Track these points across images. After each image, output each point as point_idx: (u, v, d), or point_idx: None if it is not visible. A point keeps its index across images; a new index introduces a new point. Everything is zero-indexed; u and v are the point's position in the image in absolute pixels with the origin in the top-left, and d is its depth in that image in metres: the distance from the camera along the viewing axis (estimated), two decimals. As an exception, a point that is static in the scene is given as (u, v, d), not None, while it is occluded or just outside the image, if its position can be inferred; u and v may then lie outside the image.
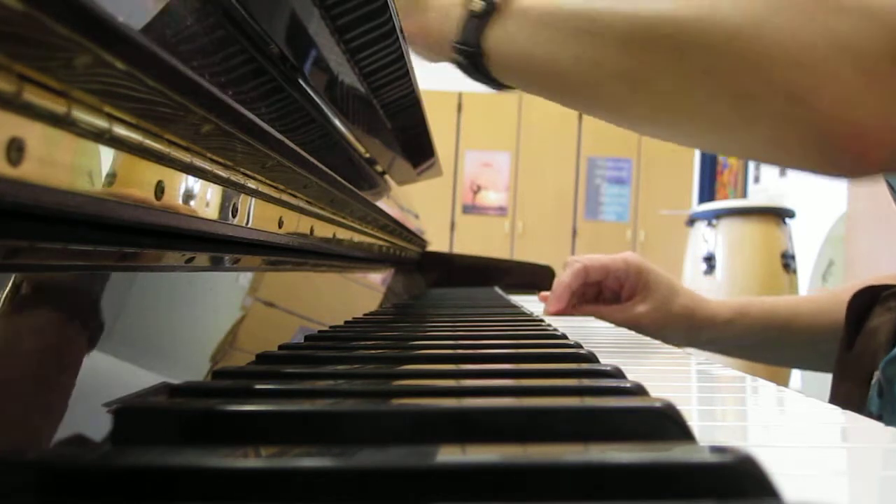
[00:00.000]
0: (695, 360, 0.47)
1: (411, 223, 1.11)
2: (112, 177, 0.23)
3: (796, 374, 2.69)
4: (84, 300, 0.26)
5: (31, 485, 0.15)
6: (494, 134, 5.19)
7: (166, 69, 0.22)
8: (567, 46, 0.49)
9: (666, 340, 0.82)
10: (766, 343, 0.84)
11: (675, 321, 0.82)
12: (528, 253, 4.77)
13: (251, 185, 0.36)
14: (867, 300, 0.66)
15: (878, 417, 0.59)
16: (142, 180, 0.25)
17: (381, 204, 0.77)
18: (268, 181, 0.39)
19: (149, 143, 0.24)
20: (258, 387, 0.26)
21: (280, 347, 0.39)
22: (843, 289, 0.85)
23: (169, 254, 0.32)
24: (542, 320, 0.61)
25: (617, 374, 0.30)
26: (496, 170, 5.20)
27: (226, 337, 0.36)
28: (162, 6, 0.28)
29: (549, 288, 0.86)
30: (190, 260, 0.34)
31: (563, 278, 0.84)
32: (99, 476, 0.15)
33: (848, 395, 0.62)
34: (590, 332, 0.70)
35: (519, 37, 0.52)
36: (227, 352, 0.35)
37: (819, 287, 2.51)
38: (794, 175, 3.64)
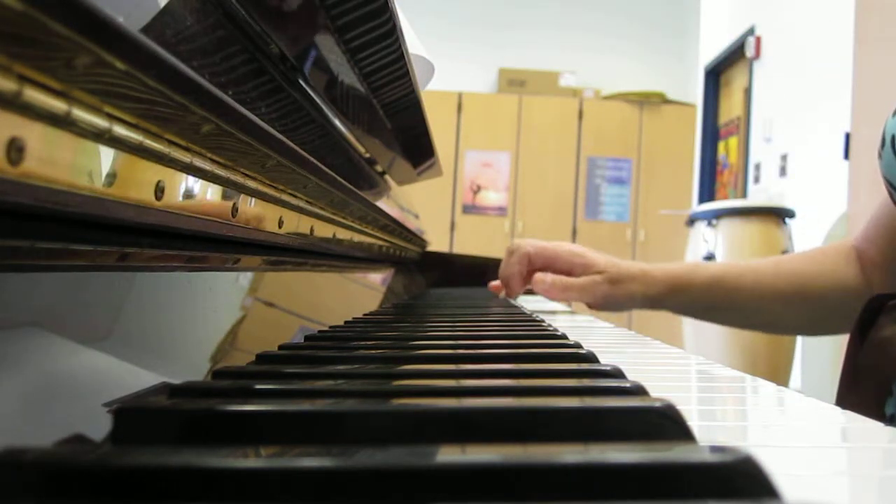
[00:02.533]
0: (695, 360, 0.47)
1: (411, 223, 1.11)
2: (112, 177, 0.23)
3: (796, 374, 2.69)
4: (84, 300, 0.26)
5: (31, 485, 0.15)
6: (494, 134, 5.20)
7: (166, 69, 0.22)
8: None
9: (624, 307, 0.86)
10: (712, 309, 0.87)
11: (630, 290, 0.86)
12: (528, 253, 4.76)
13: (251, 185, 0.36)
14: (873, 308, 0.66)
15: (890, 419, 0.59)
16: (142, 180, 0.25)
17: (381, 204, 0.77)
18: (268, 181, 0.39)
19: (149, 143, 0.24)
20: (258, 387, 0.26)
21: (280, 347, 0.39)
22: (787, 258, 0.87)
23: (169, 254, 0.32)
24: (542, 320, 0.61)
25: (617, 374, 0.30)
26: (496, 170, 5.20)
27: (226, 337, 0.36)
28: (162, 6, 0.28)
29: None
30: (190, 260, 0.34)
31: (511, 268, 0.93)
32: (99, 476, 0.15)
33: (861, 404, 0.62)
34: (590, 331, 0.70)
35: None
36: (227, 352, 0.35)
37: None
38: (794, 175, 3.65)
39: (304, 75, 0.54)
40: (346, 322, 0.57)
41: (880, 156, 0.67)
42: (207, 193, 0.32)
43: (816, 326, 0.87)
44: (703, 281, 0.85)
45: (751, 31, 4.22)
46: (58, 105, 0.19)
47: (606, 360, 0.34)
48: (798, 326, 0.88)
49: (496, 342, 0.46)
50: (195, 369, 0.31)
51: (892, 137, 0.65)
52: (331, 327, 0.52)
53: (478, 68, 5.40)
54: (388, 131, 0.85)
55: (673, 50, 5.54)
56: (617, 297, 0.86)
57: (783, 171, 3.78)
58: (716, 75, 4.99)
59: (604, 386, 0.28)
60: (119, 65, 0.20)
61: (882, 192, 0.71)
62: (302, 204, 0.47)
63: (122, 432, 0.21)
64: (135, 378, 0.26)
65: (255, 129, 0.31)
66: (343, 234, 0.64)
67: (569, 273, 0.89)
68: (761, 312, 0.84)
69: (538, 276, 0.89)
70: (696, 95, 5.16)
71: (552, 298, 0.90)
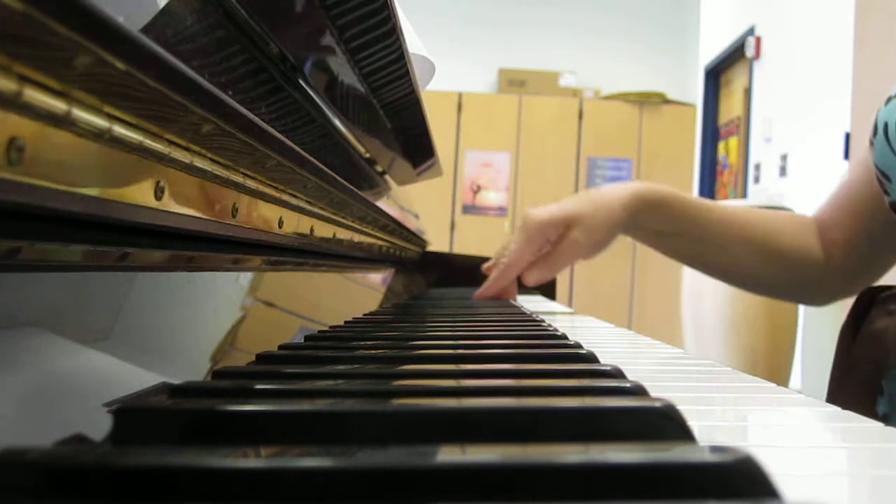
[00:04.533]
0: (695, 360, 0.47)
1: (411, 223, 1.11)
2: (112, 177, 0.23)
3: (796, 374, 2.69)
4: (84, 300, 0.26)
5: (31, 485, 0.15)
6: (494, 134, 5.19)
7: (166, 69, 0.22)
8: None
9: (609, 242, 0.84)
10: (676, 236, 0.86)
11: (607, 219, 0.83)
12: (528, 253, 4.75)
13: (251, 185, 0.36)
14: (865, 302, 0.66)
15: (884, 418, 0.59)
16: (142, 180, 0.25)
17: (381, 204, 0.77)
18: (268, 181, 0.39)
19: (149, 143, 0.24)
20: (258, 387, 0.26)
21: (280, 347, 0.39)
22: (756, 210, 0.88)
23: (169, 254, 0.32)
24: (542, 320, 0.61)
25: (617, 374, 0.30)
26: (496, 170, 5.20)
27: (226, 337, 0.36)
28: (162, 6, 0.28)
29: (547, 289, 0.90)
30: (190, 260, 0.34)
31: (491, 282, 0.91)
32: (99, 476, 0.15)
33: (852, 398, 0.62)
34: (590, 331, 0.70)
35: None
36: (227, 352, 0.35)
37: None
38: (794, 175, 3.65)
39: (304, 75, 0.54)
40: (346, 322, 0.57)
41: (871, 143, 0.67)
42: (207, 193, 0.32)
43: (771, 284, 0.87)
44: (674, 201, 0.83)
45: (751, 31, 4.22)
46: (58, 105, 0.19)
47: (606, 360, 0.34)
48: (753, 277, 0.87)
49: (496, 342, 0.46)
50: (195, 369, 0.31)
51: (885, 125, 0.65)
52: (331, 327, 0.52)
53: (478, 68, 5.40)
54: (388, 131, 0.85)
55: (673, 50, 5.54)
56: (601, 239, 0.84)
57: (783, 171, 3.77)
58: (716, 75, 4.99)
59: (604, 386, 0.28)
60: (119, 65, 0.20)
61: (846, 171, 0.71)
62: (302, 204, 0.47)
63: (122, 432, 0.21)
64: (135, 378, 0.26)
65: (256, 130, 0.31)
66: (343, 234, 0.64)
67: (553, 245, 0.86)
68: (721, 252, 0.84)
69: (525, 273, 0.87)
70: (696, 95, 5.16)
71: (548, 280, 0.88)
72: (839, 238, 0.78)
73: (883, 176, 0.66)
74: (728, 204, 0.87)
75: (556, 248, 0.85)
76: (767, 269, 0.83)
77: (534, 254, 0.85)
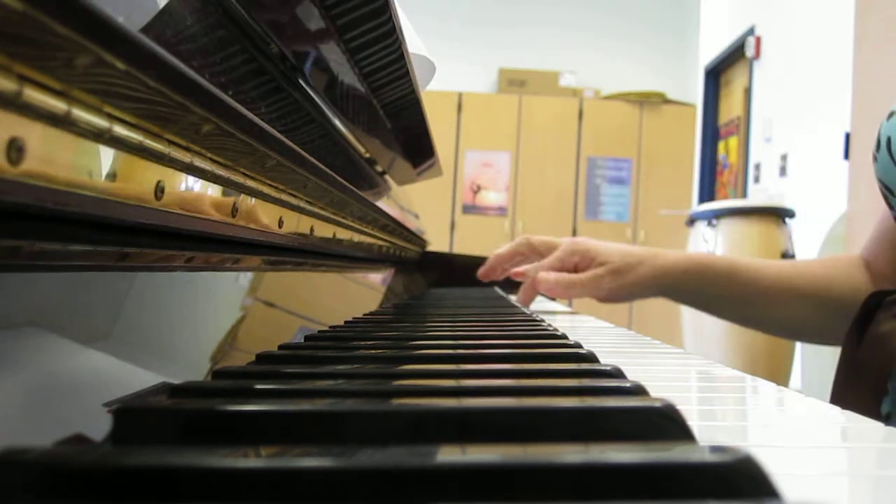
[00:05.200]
0: (695, 360, 0.47)
1: (411, 223, 1.11)
2: (112, 177, 0.23)
3: (796, 375, 2.69)
4: (84, 300, 0.26)
5: (31, 485, 0.15)
6: (494, 134, 5.20)
7: (166, 69, 0.22)
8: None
9: (634, 296, 0.85)
10: (725, 299, 0.86)
11: (638, 275, 0.85)
12: (528, 253, 4.75)
13: (251, 185, 0.36)
14: (872, 304, 0.66)
15: (887, 417, 0.59)
16: (142, 180, 0.25)
17: (381, 204, 0.77)
18: (268, 181, 0.39)
19: (149, 143, 0.24)
20: (258, 387, 0.26)
21: (280, 347, 0.39)
22: (802, 261, 0.88)
23: (169, 254, 0.32)
24: (542, 320, 0.61)
25: (617, 374, 0.30)
26: (496, 170, 5.20)
27: (226, 337, 0.36)
28: (162, 6, 0.28)
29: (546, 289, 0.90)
30: (190, 260, 0.34)
31: (502, 250, 0.96)
32: (99, 476, 0.15)
33: (857, 399, 0.62)
34: (590, 331, 0.70)
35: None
36: (227, 352, 0.35)
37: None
38: (794, 175, 3.65)
39: (304, 75, 0.54)
40: (346, 322, 0.57)
41: (875, 158, 0.67)
42: (207, 193, 0.32)
43: (827, 332, 0.86)
44: (722, 267, 0.84)
45: (751, 31, 4.22)
46: (58, 105, 0.19)
47: (606, 360, 0.34)
48: (809, 330, 0.88)
49: (496, 342, 0.46)
50: (195, 369, 0.31)
51: (888, 140, 0.65)
52: (331, 327, 0.52)
53: (478, 68, 5.40)
54: (388, 131, 0.85)
55: (673, 50, 5.54)
56: (624, 287, 0.84)
57: (783, 171, 3.77)
58: (716, 75, 4.99)
59: (604, 386, 0.28)
60: (119, 65, 0.20)
61: (882, 201, 0.71)
62: (302, 204, 0.47)
63: (122, 432, 0.21)
64: (135, 378, 0.26)
65: (255, 129, 0.31)
66: (343, 234, 0.64)
67: (573, 269, 0.88)
68: (775, 309, 0.83)
69: (541, 275, 0.87)
70: (696, 95, 5.16)
71: (558, 297, 0.89)
72: (887, 270, 0.78)
73: (887, 190, 0.67)
74: (776, 263, 0.87)
75: (579, 272, 0.87)
76: (826, 318, 0.82)
77: (559, 270, 0.89)
